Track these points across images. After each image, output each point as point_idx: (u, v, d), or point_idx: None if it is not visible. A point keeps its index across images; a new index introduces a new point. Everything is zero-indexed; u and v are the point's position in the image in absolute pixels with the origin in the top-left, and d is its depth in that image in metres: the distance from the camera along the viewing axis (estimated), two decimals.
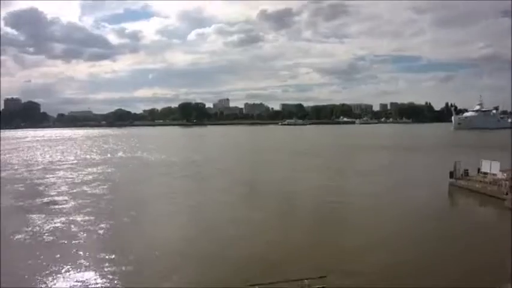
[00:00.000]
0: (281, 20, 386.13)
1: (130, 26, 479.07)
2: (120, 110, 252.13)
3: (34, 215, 24.46)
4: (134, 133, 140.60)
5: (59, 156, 64.61)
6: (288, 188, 34.24)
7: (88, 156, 63.95)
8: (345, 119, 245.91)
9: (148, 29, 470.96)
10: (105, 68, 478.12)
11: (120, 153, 68.39)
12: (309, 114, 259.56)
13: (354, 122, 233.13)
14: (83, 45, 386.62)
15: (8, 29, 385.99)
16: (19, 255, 17.52)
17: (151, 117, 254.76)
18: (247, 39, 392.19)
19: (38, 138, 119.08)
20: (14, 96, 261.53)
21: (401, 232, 20.49)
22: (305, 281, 9.51)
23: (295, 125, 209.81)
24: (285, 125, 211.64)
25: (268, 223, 22.68)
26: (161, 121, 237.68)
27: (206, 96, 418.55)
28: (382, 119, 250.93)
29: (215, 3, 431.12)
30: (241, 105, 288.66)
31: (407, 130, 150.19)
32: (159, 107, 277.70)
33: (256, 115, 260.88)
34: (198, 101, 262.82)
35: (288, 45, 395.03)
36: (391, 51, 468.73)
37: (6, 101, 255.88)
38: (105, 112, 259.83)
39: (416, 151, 67.32)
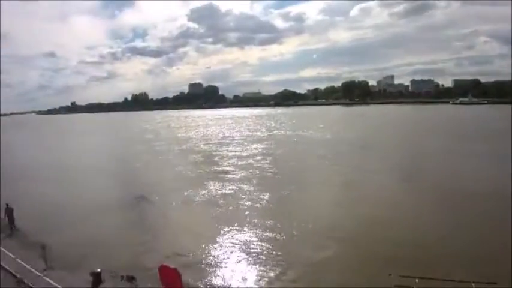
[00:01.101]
0: None
1: (294, 9, 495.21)
2: (286, 90, 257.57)
3: (210, 182, 27.94)
4: (298, 112, 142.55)
5: (230, 132, 71.08)
6: (454, 178, 27.13)
7: (256, 133, 67.74)
8: None
9: (311, 10, 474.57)
10: (273, 51, 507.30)
11: (283, 131, 70.05)
12: (487, 91, 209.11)
13: None
14: (253, 32, 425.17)
15: (190, 24, 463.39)
16: (197, 214, 20.99)
17: (314, 97, 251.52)
18: (414, 8, 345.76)
19: (216, 117, 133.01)
20: (197, 81, 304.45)
21: None
22: (472, 283, 8.34)
23: (469, 104, 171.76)
24: (457, 104, 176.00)
25: (431, 213, 19.35)
26: (324, 100, 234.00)
27: (369, 73, 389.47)
28: None
29: None
30: (407, 81, 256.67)
31: None
32: (322, 86, 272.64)
33: (423, 92, 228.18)
34: (361, 79, 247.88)
35: (462, 11, 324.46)
36: None
37: (191, 85, 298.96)
38: (273, 93, 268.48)
39: None
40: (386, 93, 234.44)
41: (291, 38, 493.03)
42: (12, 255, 13.35)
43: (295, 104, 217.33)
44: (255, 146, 48.84)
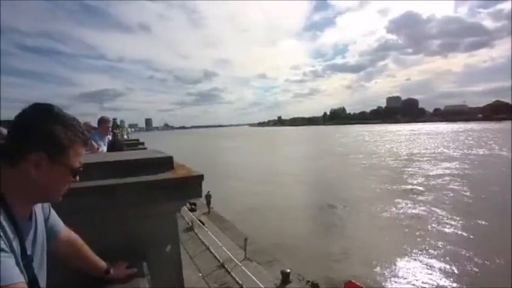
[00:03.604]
0: None
1: (507, 5, 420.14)
2: (497, 101, 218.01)
3: (398, 200, 26.53)
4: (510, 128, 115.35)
5: (421, 149, 65.22)
6: None
7: (448, 151, 60.54)
8: None
9: None
10: (482, 56, 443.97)
11: (482, 150, 59.45)
12: None
13: None
14: (458, 36, 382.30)
15: (389, 36, 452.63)
16: (385, 230, 19.90)
17: None
18: None
19: (411, 132, 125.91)
20: (395, 95, 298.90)
21: None
22: None
23: None
24: None
25: None
26: None
27: None
28: None
29: None
30: None
31: None
32: None
33: None
34: None
35: None
36: None
37: (389, 99, 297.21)
38: (481, 105, 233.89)
39: None
40: None
41: (504, 39, 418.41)
42: (219, 243, 15.55)
43: (510, 118, 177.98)
44: (444, 164, 43.79)
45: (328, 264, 15.09)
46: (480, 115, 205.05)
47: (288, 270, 12.60)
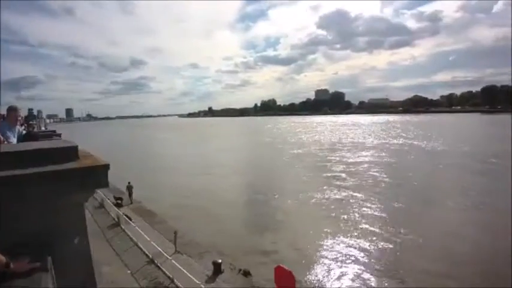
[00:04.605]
0: None
1: (429, 8, 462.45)
2: (416, 96, 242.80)
3: (324, 186, 27.95)
4: (427, 120, 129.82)
5: (346, 139, 69.82)
6: None
7: (369, 140, 65.62)
8: None
9: (449, 8, 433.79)
10: (404, 55, 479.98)
11: (400, 140, 65.17)
12: None
13: None
14: (383, 35, 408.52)
15: (319, 31, 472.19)
16: (308, 216, 21.02)
17: (448, 103, 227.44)
18: None
19: (336, 123, 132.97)
20: (323, 88, 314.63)
21: None
22: None
23: None
24: None
25: None
26: (459, 107, 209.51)
27: None
28: None
29: None
30: None
31: None
32: (458, 91, 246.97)
33: None
34: (506, 83, 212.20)
35: None
36: None
37: (317, 91, 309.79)
38: (402, 99, 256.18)
39: None
40: None
41: (425, 39, 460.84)
42: (147, 237, 15.05)
43: (426, 111, 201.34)
44: (364, 153, 47.41)
45: (260, 252, 15.47)
46: (401, 108, 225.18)
47: (220, 261, 12.68)
